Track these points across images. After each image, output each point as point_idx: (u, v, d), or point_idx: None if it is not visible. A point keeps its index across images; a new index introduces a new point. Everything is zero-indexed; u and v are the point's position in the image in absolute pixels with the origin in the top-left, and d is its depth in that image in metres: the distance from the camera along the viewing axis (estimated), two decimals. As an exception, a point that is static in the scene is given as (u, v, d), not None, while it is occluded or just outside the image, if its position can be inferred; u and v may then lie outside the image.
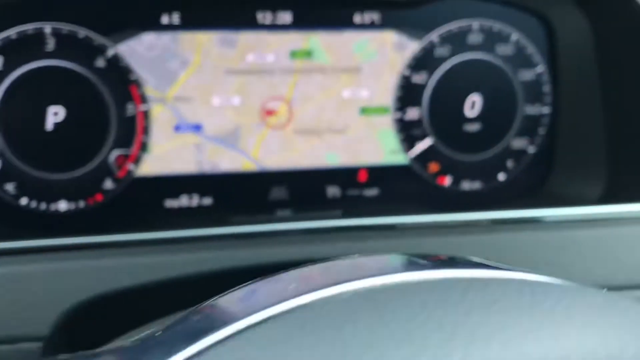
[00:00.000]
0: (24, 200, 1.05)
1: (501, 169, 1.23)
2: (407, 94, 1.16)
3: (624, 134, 1.15)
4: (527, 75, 1.19)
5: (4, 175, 1.03)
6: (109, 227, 0.99)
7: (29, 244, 0.89)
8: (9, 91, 1.01)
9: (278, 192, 1.14)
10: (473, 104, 1.18)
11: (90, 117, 1.05)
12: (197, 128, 1.09)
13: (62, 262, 0.87)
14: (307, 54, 1.11)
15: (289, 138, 1.13)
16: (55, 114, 1.03)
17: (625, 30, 1.12)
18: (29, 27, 1.01)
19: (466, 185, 1.23)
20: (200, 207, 1.12)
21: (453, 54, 1.16)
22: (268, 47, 1.10)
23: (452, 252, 0.91)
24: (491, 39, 1.17)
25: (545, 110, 1.21)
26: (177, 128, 1.09)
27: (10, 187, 1.03)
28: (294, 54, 1.11)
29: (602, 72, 1.17)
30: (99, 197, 1.08)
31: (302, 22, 1.10)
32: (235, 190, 1.13)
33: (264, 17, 1.09)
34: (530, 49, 1.19)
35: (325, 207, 1.15)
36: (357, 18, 1.12)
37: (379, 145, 1.17)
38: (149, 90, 1.07)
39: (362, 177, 1.18)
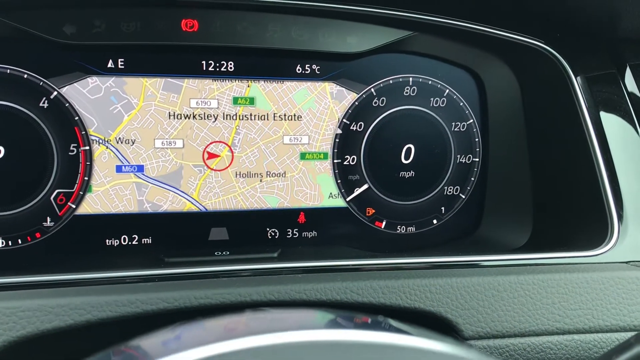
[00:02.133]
0: (-39, 237, 1.05)
1: (434, 215, 1.29)
2: (346, 141, 1.22)
3: (548, 185, 1.22)
4: (459, 126, 1.26)
5: (-59, 211, 1.03)
6: (47, 265, 1.00)
7: None
8: (-50, 129, 1.02)
9: (218, 233, 1.17)
10: (408, 153, 1.24)
11: (33, 157, 1.07)
12: (139, 169, 1.12)
13: None
14: (250, 100, 1.16)
15: (230, 180, 1.17)
16: (-4, 152, 1.05)
17: (549, 86, 1.20)
18: (-27, 67, 1.03)
19: (401, 228, 1.28)
20: (140, 246, 1.14)
21: (389, 105, 1.22)
22: (211, 93, 1.14)
23: (388, 294, 0.95)
24: (425, 93, 1.24)
25: (476, 159, 1.28)
26: (119, 168, 1.11)
27: (-53, 223, 1.04)
28: (236, 101, 1.15)
29: (528, 125, 1.25)
30: (38, 235, 1.09)
31: (245, 71, 1.15)
32: (176, 230, 1.15)
33: (208, 64, 1.13)
34: (462, 103, 1.26)
35: (264, 247, 1.18)
36: (298, 68, 1.17)
37: (318, 189, 1.22)
38: (93, 131, 1.09)
39: (301, 219, 1.22)
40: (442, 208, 1.29)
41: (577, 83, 1.15)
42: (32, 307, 0.84)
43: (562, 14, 1.15)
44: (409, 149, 1.24)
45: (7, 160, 1.05)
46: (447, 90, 1.25)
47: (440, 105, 1.25)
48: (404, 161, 1.24)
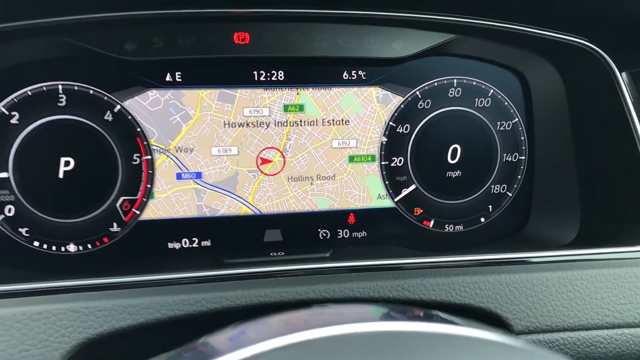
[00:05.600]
0: (36, 243, 1.13)
1: (482, 213, 1.32)
2: (392, 143, 1.25)
3: (595, 181, 1.23)
4: (504, 125, 1.29)
5: (18, 220, 1.12)
6: (115, 268, 1.07)
7: (39, 286, 0.96)
8: (23, 143, 1.10)
9: (272, 235, 1.23)
10: (454, 153, 1.27)
11: (99, 167, 1.14)
12: (197, 176, 1.18)
13: (69, 303, 0.93)
14: (299, 107, 1.21)
15: (282, 184, 1.22)
16: (66, 164, 1.13)
17: (594, 83, 1.21)
18: (43, 85, 1.11)
19: (449, 227, 1.31)
20: (199, 249, 1.20)
21: (434, 107, 1.26)
22: (263, 101, 1.19)
23: (438, 292, 0.99)
24: (470, 94, 1.27)
25: (522, 158, 1.30)
26: (179, 176, 1.18)
27: (23, 230, 1.12)
28: (286, 108, 1.20)
29: (574, 122, 1.26)
30: (105, 240, 1.16)
31: (295, 79, 1.20)
32: (233, 232, 1.21)
33: (260, 74, 1.19)
34: (507, 102, 1.28)
35: (316, 248, 1.23)
36: (345, 75, 1.21)
37: (366, 191, 1.26)
38: (154, 141, 1.16)
39: (351, 220, 1.26)
40: (490, 206, 1.31)
41: (622, 79, 1.16)
42: (107, 307, 0.91)
43: (605, 11, 1.16)
44: (455, 149, 1.27)
45: (76, 171, 1.13)
46: (492, 90, 1.27)
47: (485, 105, 1.27)
48: (450, 161, 1.27)
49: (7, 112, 1.09)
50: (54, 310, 0.90)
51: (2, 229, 1.12)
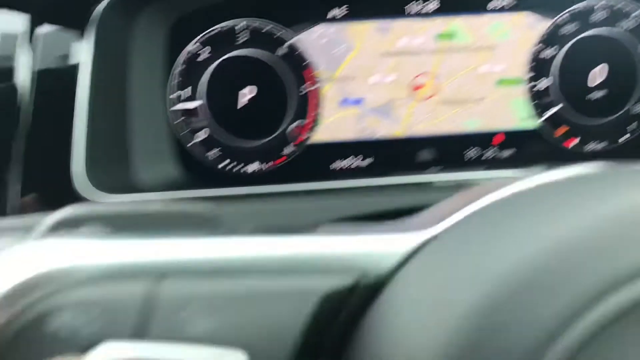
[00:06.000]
0: (222, 164, 1.32)
1: (622, 132, 1.37)
2: (538, 66, 1.33)
3: None
4: (649, 46, 1.33)
5: (210, 143, 1.31)
6: (290, 182, 1.25)
7: (235, 191, 1.20)
8: (213, 75, 1.28)
9: (425, 154, 1.35)
10: (598, 74, 1.33)
11: (274, 96, 1.30)
12: (358, 102, 1.32)
13: (256, 205, 1.14)
14: (450, 35, 1.31)
15: (434, 108, 1.34)
16: (247, 94, 1.29)
17: None
18: (228, 23, 1.28)
19: (590, 146, 1.38)
20: (360, 167, 1.35)
21: (580, 30, 1.31)
22: (417, 31, 1.30)
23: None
24: (616, 16, 1.31)
25: (668, 77, 1.34)
26: (343, 102, 1.32)
27: (214, 152, 1.31)
28: (439, 36, 1.31)
29: None
30: (280, 160, 1.33)
31: (447, 9, 1.30)
32: (389, 153, 1.35)
33: (413, 6, 1.29)
34: (653, 22, 1.32)
35: (465, 166, 1.34)
36: (495, 3, 1.30)
37: (512, 112, 1.35)
38: (320, 72, 1.30)
39: (497, 140, 1.36)
40: (632, 125, 1.36)
41: None
42: (297, 208, 1.10)
43: None
44: (599, 70, 1.33)
45: (256, 100, 1.30)
46: (638, 12, 1.31)
47: (631, 26, 1.31)
48: (595, 82, 1.33)
49: (199, 48, 1.27)
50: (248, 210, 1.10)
51: (195, 151, 1.31)
